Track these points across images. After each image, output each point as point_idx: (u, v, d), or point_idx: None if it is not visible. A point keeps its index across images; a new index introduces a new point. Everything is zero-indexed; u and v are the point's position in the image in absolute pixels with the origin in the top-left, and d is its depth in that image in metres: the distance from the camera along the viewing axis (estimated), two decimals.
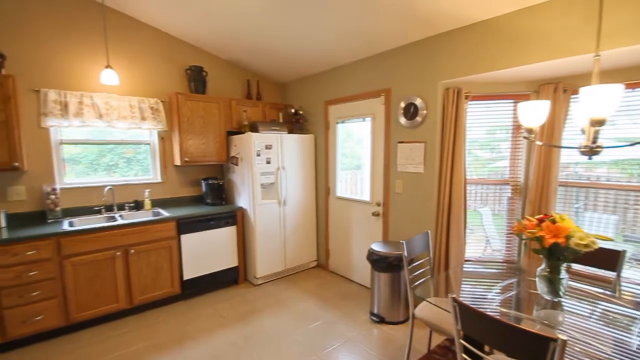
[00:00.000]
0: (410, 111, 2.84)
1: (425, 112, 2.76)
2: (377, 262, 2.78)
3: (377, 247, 2.89)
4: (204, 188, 3.72)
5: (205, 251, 3.37)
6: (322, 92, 3.81)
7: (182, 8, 2.91)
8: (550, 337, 1.15)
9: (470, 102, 2.71)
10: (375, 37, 2.82)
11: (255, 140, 3.43)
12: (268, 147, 3.53)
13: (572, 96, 2.42)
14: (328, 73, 3.71)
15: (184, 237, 3.22)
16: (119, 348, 2.54)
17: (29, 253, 2.47)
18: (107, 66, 2.97)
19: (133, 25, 3.32)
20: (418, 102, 2.79)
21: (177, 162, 3.53)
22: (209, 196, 3.68)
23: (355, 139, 3.67)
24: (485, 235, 2.96)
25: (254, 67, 4.04)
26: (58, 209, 2.98)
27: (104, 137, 3.31)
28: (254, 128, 3.60)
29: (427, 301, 1.87)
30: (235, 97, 4.04)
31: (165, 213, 3.27)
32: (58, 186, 3.02)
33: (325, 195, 3.91)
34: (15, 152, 2.61)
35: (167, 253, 3.14)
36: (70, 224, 2.85)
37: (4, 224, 2.74)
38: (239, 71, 4.09)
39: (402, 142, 2.97)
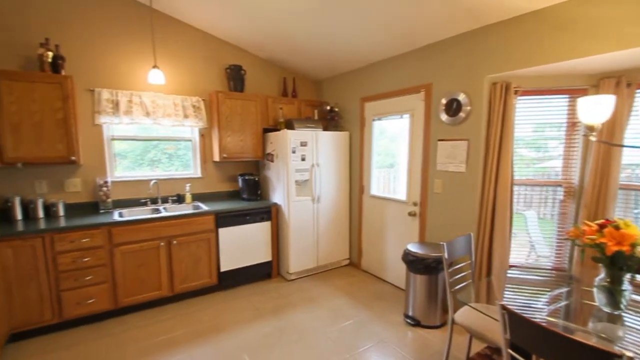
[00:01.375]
0: (453, 107, 2.72)
1: (469, 108, 2.63)
2: (414, 263, 2.70)
3: (414, 248, 2.80)
4: (240, 184, 3.82)
5: (241, 245, 3.46)
6: (358, 88, 3.76)
7: (225, 9, 2.99)
8: (615, 353, 1.04)
9: (518, 98, 2.54)
10: (416, 31, 2.73)
11: (290, 137, 3.46)
12: (303, 144, 3.55)
13: (637, 91, 2.19)
14: (365, 69, 3.66)
15: (222, 231, 3.33)
16: (161, 333, 2.68)
17: (84, 240, 2.67)
18: (154, 66, 3.13)
19: (178, 27, 3.47)
20: (461, 97, 2.66)
21: (216, 158, 3.65)
22: (245, 192, 3.77)
23: (388, 137, 3.59)
24: (529, 240, 2.78)
25: (290, 65, 4.08)
26: (109, 200, 3.19)
27: (148, 133, 3.49)
28: (289, 125, 3.64)
29: (470, 306, 1.78)
30: (271, 94, 4.10)
31: (204, 207, 3.40)
32: (109, 179, 3.24)
33: (359, 194, 3.86)
34: (73, 147, 2.83)
35: (206, 245, 3.26)
36: (120, 215, 3.05)
37: (62, 213, 2.98)
38: (276, 69, 4.14)
39: (442, 140, 2.85)
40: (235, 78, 3.66)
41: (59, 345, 2.52)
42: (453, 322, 2.11)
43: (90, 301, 2.74)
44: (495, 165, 2.54)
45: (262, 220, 3.58)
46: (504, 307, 1.39)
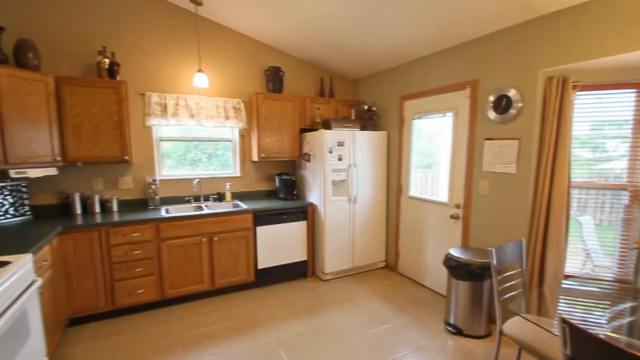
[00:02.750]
0: (502, 104, 2.55)
1: (520, 104, 2.46)
2: (456, 268, 2.57)
3: (456, 252, 2.67)
4: (277, 183, 3.88)
5: (278, 243, 3.51)
6: (398, 87, 3.66)
7: (265, 13, 3.05)
8: None
9: (578, 93, 2.33)
10: (461, 24, 2.60)
11: (327, 137, 3.45)
12: (340, 143, 3.53)
13: None
14: (405, 67, 3.56)
15: (259, 229, 3.40)
16: (202, 325, 2.79)
17: (135, 235, 2.85)
18: (199, 70, 3.27)
19: (220, 32, 3.60)
20: (512, 93, 2.49)
21: (255, 158, 3.74)
22: (282, 191, 3.82)
23: (425, 136, 3.47)
24: (584, 249, 2.53)
25: (327, 65, 4.07)
26: (157, 197, 3.38)
27: (191, 134, 3.65)
28: (326, 125, 3.63)
29: (524, 317, 1.66)
30: (309, 95, 4.12)
31: (243, 205, 3.49)
32: (157, 177, 3.43)
33: (397, 194, 3.76)
34: (126, 147, 3.03)
35: (245, 242, 3.35)
36: (167, 211, 3.22)
37: (115, 209, 3.20)
38: (313, 69, 4.16)
39: (490, 139, 2.69)
40: (274, 79, 3.72)
41: (111, 331, 2.71)
42: (501, 333, 1.98)
43: (140, 291, 2.92)
44: (551, 167, 2.34)
45: (298, 219, 3.61)
46: (565, 321, 1.27)
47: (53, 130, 2.72)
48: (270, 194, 4.06)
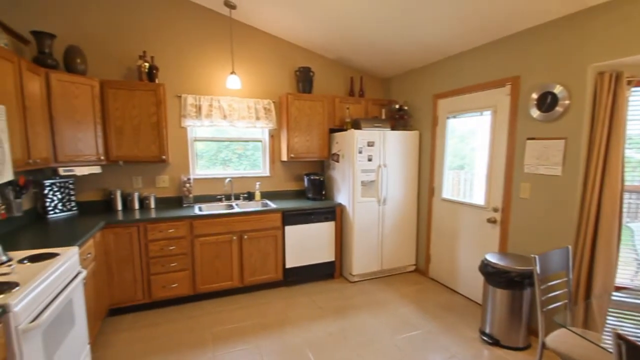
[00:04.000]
0: (547, 102, 2.39)
1: (567, 102, 2.29)
2: (493, 275, 2.44)
3: (494, 258, 2.53)
4: (306, 183, 3.89)
5: (305, 243, 3.52)
6: (431, 85, 3.55)
7: (296, 14, 3.06)
8: None
9: (633, 89, 2.13)
10: (500, 19, 2.47)
11: (357, 137, 3.41)
12: (370, 144, 3.47)
13: None
14: (439, 64, 3.44)
15: (288, 228, 3.42)
16: (232, 321, 2.84)
17: (170, 231, 2.97)
18: (232, 72, 3.35)
19: (253, 34, 3.66)
20: (557, 90, 2.32)
21: (284, 158, 3.77)
22: (310, 191, 3.82)
23: (458, 136, 3.33)
24: (636, 258, 2.31)
25: (357, 64, 4.03)
26: (191, 195, 3.50)
27: (222, 135, 3.74)
28: (356, 125, 3.59)
29: (571, 330, 1.53)
30: (338, 94, 4.10)
31: (272, 205, 3.53)
32: (191, 177, 3.55)
33: (429, 196, 3.64)
34: (163, 147, 3.16)
35: (273, 241, 3.38)
36: (200, 209, 3.32)
37: (153, 206, 3.35)
38: (343, 69, 4.14)
39: (532, 139, 2.53)
40: (304, 80, 3.73)
41: (147, 322, 2.83)
42: (544, 346, 1.85)
43: (174, 285, 3.03)
44: (601, 168, 2.16)
45: (326, 220, 3.59)
46: (620, 337, 1.15)
47: (97, 131, 2.89)
48: (299, 194, 4.08)
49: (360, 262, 3.58)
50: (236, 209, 3.35)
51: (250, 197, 3.81)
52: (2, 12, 2.73)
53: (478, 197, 3.09)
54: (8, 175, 1.81)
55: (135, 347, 2.48)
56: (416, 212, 3.83)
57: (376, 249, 3.65)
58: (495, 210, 2.86)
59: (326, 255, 3.64)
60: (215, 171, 3.76)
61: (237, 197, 3.77)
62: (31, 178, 2.69)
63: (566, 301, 2.10)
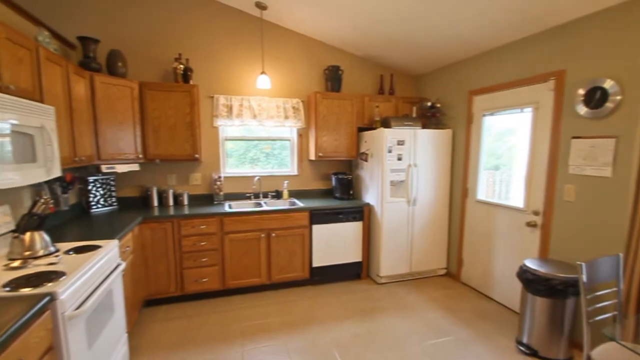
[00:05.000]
0: (595, 97, 2.21)
1: (619, 97, 2.10)
2: (533, 283, 2.29)
3: (533, 264, 2.38)
4: (333, 182, 3.87)
5: (333, 243, 3.50)
6: (466, 81, 3.40)
7: (326, 12, 3.04)
8: None
9: None
10: (543, 9, 2.31)
11: (387, 136, 3.34)
12: (400, 143, 3.39)
13: None
14: (474, 59, 3.29)
15: (315, 227, 3.42)
16: (259, 317, 2.88)
17: (202, 227, 3.06)
18: (262, 72, 3.40)
19: (282, 34, 3.69)
20: (608, 85, 2.14)
21: (312, 157, 3.77)
22: (338, 190, 3.80)
23: (493, 135, 3.16)
24: None
25: (388, 61, 3.95)
26: (221, 193, 3.59)
27: (251, 134, 3.80)
28: (385, 123, 3.52)
29: (622, 345, 1.40)
30: (367, 93, 4.04)
31: (300, 203, 3.54)
32: (222, 175, 3.65)
33: (462, 198, 3.49)
34: (196, 146, 3.27)
35: (300, 240, 3.39)
36: (230, 207, 3.40)
37: (186, 202, 3.47)
38: (373, 66, 4.07)
39: (578, 137, 2.35)
40: (333, 78, 3.71)
41: (180, 314, 2.94)
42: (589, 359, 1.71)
43: (204, 280, 3.12)
44: None
45: (354, 219, 3.55)
46: None
47: (136, 131, 3.04)
48: (326, 193, 4.07)
49: (388, 263, 3.51)
50: (264, 207, 3.40)
51: (278, 195, 3.85)
52: (52, 20, 2.94)
53: (516, 199, 2.92)
54: (57, 172, 1.94)
55: (169, 337, 2.58)
56: (448, 214, 3.69)
57: (405, 251, 3.56)
58: (536, 213, 2.69)
59: (353, 255, 3.60)
60: (244, 170, 3.84)
61: (265, 196, 3.83)
62: (77, 175, 2.88)
63: (615, 313, 1.93)
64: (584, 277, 1.73)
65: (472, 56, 3.31)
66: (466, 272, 3.51)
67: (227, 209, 3.26)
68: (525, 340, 2.38)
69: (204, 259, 3.10)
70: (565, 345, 2.27)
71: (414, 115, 3.73)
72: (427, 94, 4.02)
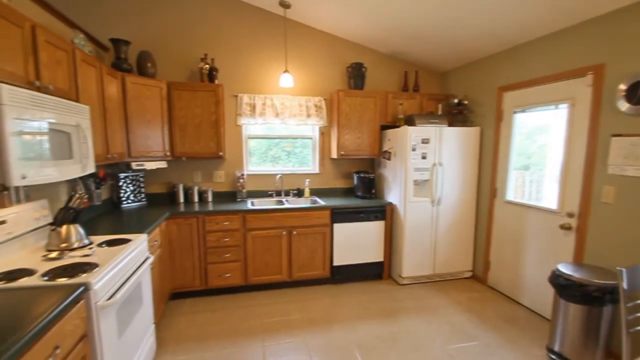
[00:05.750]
0: (638, 93, 2.06)
1: None
2: (567, 288, 2.17)
3: (567, 269, 2.26)
4: (355, 181, 3.84)
5: (354, 242, 3.47)
6: (495, 77, 3.27)
7: (349, 9, 3.01)
8: None
9: None
10: (578, 2, 2.18)
11: (411, 134, 3.26)
12: (425, 141, 3.31)
13: None
14: (504, 54, 3.15)
15: (336, 226, 3.40)
16: (280, 314, 2.91)
17: (225, 223, 3.12)
18: (285, 71, 3.41)
19: (305, 32, 3.70)
20: None
21: (334, 155, 3.76)
22: (360, 189, 3.76)
23: (524, 133, 3.02)
24: None
25: (412, 57, 3.86)
26: (244, 190, 3.65)
27: (272, 132, 3.83)
28: (410, 121, 3.44)
29: None
30: (391, 90, 3.97)
31: (321, 202, 3.54)
32: (245, 172, 3.70)
33: (490, 198, 3.37)
34: (221, 144, 3.33)
35: (321, 238, 3.39)
36: (252, 204, 3.45)
37: (210, 199, 3.56)
38: (397, 63, 3.99)
39: (619, 135, 2.19)
40: (356, 76, 3.68)
41: (204, 307, 3.01)
42: None
43: (227, 275, 3.19)
44: None
45: (375, 219, 3.51)
46: None
47: (164, 129, 3.14)
48: (348, 192, 4.04)
49: (410, 264, 3.44)
50: (286, 205, 3.42)
51: (299, 193, 3.86)
52: (86, 23, 3.08)
53: (549, 200, 2.78)
54: (91, 168, 2.03)
55: (193, 330, 2.65)
56: (474, 215, 3.57)
57: (428, 252, 3.48)
58: (570, 215, 2.54)
59: (375, 255, 3.55)
60: (266, 167, 3.88)
61: (287, 193, 3.85)
62: (109, 171, 3.01)
63: None
64: (624, 284, 1.62)
65: (502, 51, 3.17)
66: (493, 275, 3.38)
67: (249, 206, 3.31)
68: (557, 349, 2.26)
69: (227, 255, 3.16)
70: (601, 355, 2.14)
71: (440, 112, 3.63)
72: (454, 91, 3.89)
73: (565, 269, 2.26)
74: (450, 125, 3.53)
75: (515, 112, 3.06)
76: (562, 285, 2.21)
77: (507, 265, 3.20)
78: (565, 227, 2.57)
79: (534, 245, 2.90)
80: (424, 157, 3.32)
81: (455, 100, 3.56)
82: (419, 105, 3.77)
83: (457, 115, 3.57)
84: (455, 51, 3.43)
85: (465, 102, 3.53)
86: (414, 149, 3.28)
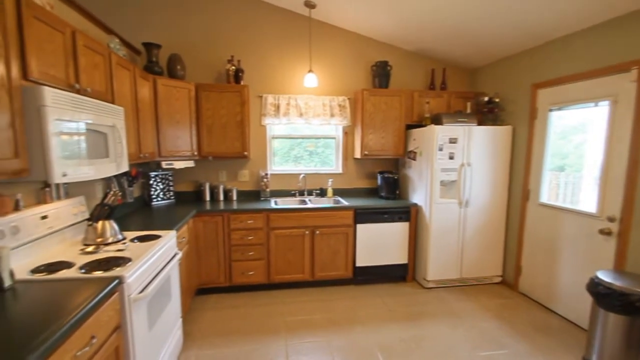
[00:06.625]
0: None
1: None
2: (607, 297, 2.03)
3: (607, 277, 2.11)
4: (379, 181, 3.79)
5: (377, 243, 3.42)
6: (528, 73, 3.12)
7: (373, 7, 2.98)
8: None
9: None
10: None
11: (438, 134, 3.18)
12: (452, 140, 3.21)
13: None
14: (539, 49, 3.00)
15: (359, 227, 3.37)
16: (302, 313, 2.91)
17: (249, 222, 3.17)
18: (310, 70, 3.42)
19: (329, 31, 3.69)
20: None
21: (357, 155, 3.72)
22: (383, 189, 3.71)
23: (558, 133, 2.86)
24: None
25: (440, 54, 3.76)
26: (268, 190, 3.69)
27: (295, 132, 3.85)
28: (437, 120, 3.35)
29: None
30: (417, 88, 3.89)
31: (344, 202, 3.52)
32: (269, 172, 3.75)
33: (522, 200, 3.21)
34: (245, 144, 3.39)
35: (344, 239, 3.37)
36: (276, 203, 3.48)
37: (235, 198, 3.63)
38: (423, 61, 3.90)
39: None
40: (381, 74, 3.62)
41: (228, 304, 3.08)
42: None
43: (250, 273, 3.24)
44: None
45: (400, 220, 3.44)
46: None
47: (192, 130, 3.23)
48: (371, 192, 3.99)
49: (436, 267, 3.35)
50: (309, 205, 3.43)
51: (322, 193, 3.86)
52: (120, 28, 3.23)
53: (586, 203, 2.62)
54: (125, 167, 2.13)
55: (218, 325, 2.71)
56: (505, 217, 3.42)
57: (455, 255, 3.38)
58: (611, 219, 2.38)
59: (398, 256, 3.49)
60: (289, 167, 3.90)
61: (309, 193, 3.86)
62: (140, 170, 3.13)
63: None
64: None
65: (538, 45, 3.02)
66: (525, 281, 3.23)
67: (273, 205, 3.35)
68: None
69: (250, 253, 3.21)
70: None
71: (468, 111, 3.51)
72: (483, 89, 3.75)
73: (604, 276, 2.12)
74: (479, 124, 3.41)
75: (550, 110, 2.90)
76: (601, 294, 2.07)
77: (540, 271, 3.04)
78: (605, 232, 2.41)
79: (570, 251, 2.74)
80: (451, 157, 3.23)
81: (486, 98, 3.42)
82: (447, 103, 3.67)
83: (487, 114, 3.43)
84: (486, 47, 3.30)
85: (497, 100, 3.39)
86: (440, 149, 3.19)
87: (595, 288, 2.12)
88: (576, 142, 2.78)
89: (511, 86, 3.34)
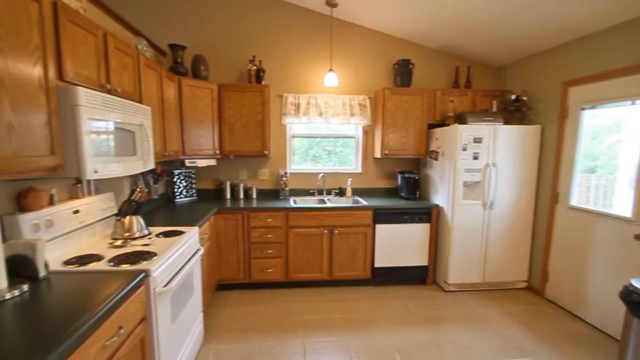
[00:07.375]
0: None
1: None
2: None
3: None
4: (399, 181, 3.73)
5: (396, 244, 3.38)
6: (560, 70, 2.98)
7: (395, 3, 2.93)
8: None
9: None
10: None
11: (461, 133, 3.09)
12: (477, 140, 3.11)
13: None
14: (571, 45, 2.86)
15: (379, 227, 3.33)
16: (320, 312, 2.92)
17: (269, 220, 3.20)
18: (330, 70, 3.42)
19: (350, 30, 3.67)
20: None
21: (377, 154, 3.68)
22: (404, 190, 3.65)
23: (589, 133, 2.72)
24: None
25: (464, 52, 3.66)
26: (287, 188, 3.72)
27: (315, 131, 3.85)
28: (461, 119, 3.26)
29: None
30: (440, 87, 3.80)
31: (363, 202, 3.49)
32: (288, 171, 3.77)
33: (551, 203, 3.08)
34: (266, 143, 3.43)
35: (363, 239, 3.34)
36: (295, 202, 3.50)
37: (254, 196, 3.67)
38: (447, 58, 3.81)
39: None
40: (403, 73, 3.57)
41: (248, 300, 3.12)
42: None
43: (269, 270, 3.27)
44: None
45: (420, 221, 3.38)
46: None
47: (215, 129, 3.30)
48: (391, 192, 3.94)
49: (457, 270, 3.27)
50: (328, 204, 3.42)
51: (341, 192, 3.85)
52: (148, 30, 3.34)
53: (621, 207, 2.47)
54: (151, 164, 2.20)
55: (237, 321, 2.76)
56: (532, 220, 3.29)
57: (478, 258, 3.28)
58: None
59: (418, 258, 3.43)
60: (308, 166, 3.91)
61: (328, 193, 3.86)
62: (165, 168, 3.23)
63: None
64: None
65: (569, 41, 2.88)
66: (552, 287, 3.10)
67: (292, 204, 3.36)
68: None
69: (269, 251, 3.25)
70: None
71: (494, 109, 3.40)
72: (510, 86, 3.62)
73: (639, 284, 2.00)
74: (506, 123, 3.29)
75: (583, 109, 2.76)
76: (636, 303, 1.95)
77: (568, 278, 2.91)
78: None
79: (601, 257, 2.60)
80: (475, 158, 3.13)
81: (513, 97, 3.30)
82: (471, 102, 3.56)
83: (514, 113, 3.31)
84: (513, 43, 3.18)
85: (524, 98, 3.26)
86: (464, 149, 3.11)
87: (630, 296, 2.00)
88: (609, 142, 2.63)
89: (540, 84, 3.21)
